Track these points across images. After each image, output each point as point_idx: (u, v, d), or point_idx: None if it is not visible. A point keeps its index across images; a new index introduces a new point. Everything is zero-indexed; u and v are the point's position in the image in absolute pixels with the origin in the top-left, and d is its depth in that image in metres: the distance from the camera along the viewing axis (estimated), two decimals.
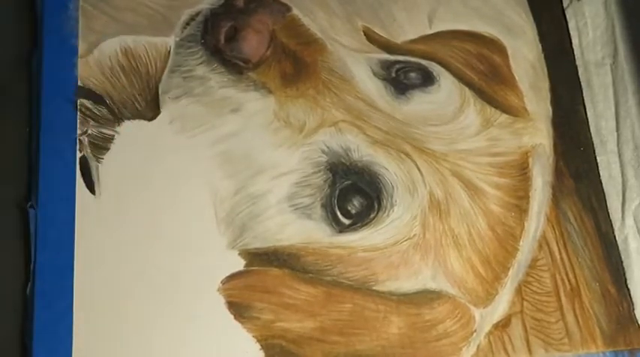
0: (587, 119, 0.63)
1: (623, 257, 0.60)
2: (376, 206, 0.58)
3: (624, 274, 0.59)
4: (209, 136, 0.59)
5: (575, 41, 0.66)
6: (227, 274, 0.56)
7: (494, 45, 0.64)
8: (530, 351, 0.56)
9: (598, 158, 0.62)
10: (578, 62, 0.65)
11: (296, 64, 0.61)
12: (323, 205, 0.57)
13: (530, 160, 0.61)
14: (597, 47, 0.65)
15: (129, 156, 0.58)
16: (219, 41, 0.61)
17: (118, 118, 0.59)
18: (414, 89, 0.62)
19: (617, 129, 0.63)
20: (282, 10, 0.63)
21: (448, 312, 0.56)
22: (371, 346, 0.55)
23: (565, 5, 0.66)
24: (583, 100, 0.64)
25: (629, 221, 0.61)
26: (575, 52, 0.65)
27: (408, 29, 0.64)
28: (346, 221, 0.57)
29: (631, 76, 0.64)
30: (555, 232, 0.59)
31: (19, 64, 0.60)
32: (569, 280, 0.58)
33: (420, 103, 0.61)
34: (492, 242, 0.58)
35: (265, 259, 0.56)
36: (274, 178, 0.58)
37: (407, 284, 0.56)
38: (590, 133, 0.63)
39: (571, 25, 0.66)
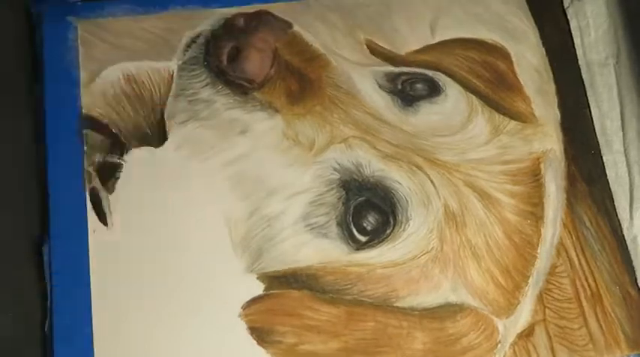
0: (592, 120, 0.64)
1: (632, 257, 0.59)
2: (392, 221, 0.57)
3: (634, 273, 0.59)
4: (219, 160, 0.58)
5: (577, 41, 0.65)
6: (247, 298, 0.55)
7: (497, 51, 0.64)
8: None
9: (604, 158, 0.62)
10: (580, 62, 0.65)
11: (301, 81, 0.60)
12: (338, 224, 0.57)
13: (541, 166, 0.60)
14: (600, 47, 0.65)
15: (139, 184, 0.58)
16: (221, 62, 0.60)
17: (124, 147, 0.58)
18: (420, 100, 0.61)
19: (623, 128, 0.63)
20: (283, 27, 0.62)
21: (471, 324, 0.56)
22: None
23: (566, 5, 0.66)
24: (588, 100, 0.64)
25: (638, 221, 0.60)
26: (578, 53, 0.65)
27: (410, 40, 0.64)
28: (363, 238, 0.57)
29: (635, 76, 0.64)
30: (572, 238, 0.59)
31: (21, 98, 0.60)
32: (589, 285, 0.58)
33: (427, 114, 0.61)
34: (510, 251, 0.58)
35: (284, 281, 0.56)
36: (287, 198, 0.57)
37: (428, 298, 0.56)
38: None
39: (573, 25, 0.66)
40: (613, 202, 0.61)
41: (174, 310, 0.55)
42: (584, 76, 0.65)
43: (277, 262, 0.56)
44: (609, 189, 0.61)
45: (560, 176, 0.61)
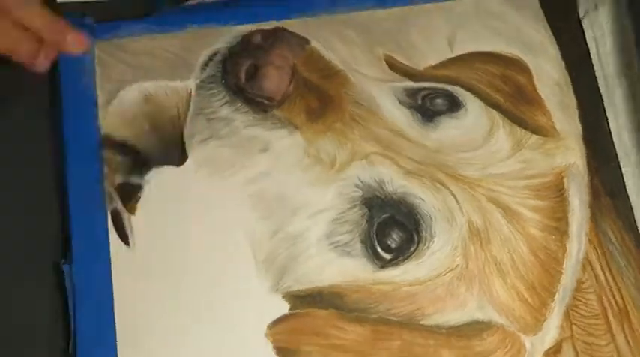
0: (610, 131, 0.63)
1: None
2: (416, 239, 0.57)
3: None
4: (240, 178, 0.58)
5: (592, 52, 0.65)
6: (272, 318, 0.55)
7: (516, 65, 0.64)
8: None
9: (623, 170, 0.62)
10: (597, 74, 0.65)
11: (320, 97, 0.60)
12: (362, 241, 0.57)
13: (565, 180, 0.60)
14: (615, 57, 0.65)
15: (160, 204, 0.57)
16: (239, 80, 0.60)
17: (145, 167, 0.58)
18: (441, 115, 0.61)
19: None
20: (300, 44, 0.62)
21: (498, 342, 0.56)
22: None
23: (581, 16, 0.66)
24: (605, 112, 0.64)
25: None
26: (594, 63, 0.65)
27: (429, 54, 0.63)
28: (387, 256, 0.56)
29: None
30: (597, 253, 0.59)
31: (39, 121, 0.60)
32: (615, 301, 0.57)
33: (448, 129, 0.61)
34: (536, 267, 0.58)
35: (309, 300, 0.55)
36: (310, 216, 0.57)
37: (454, 316, 0.56)
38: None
39: (588, 35, 0.66)
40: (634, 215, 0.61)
41: (198, 330, 0.55)
42: (601, 87, 0.64)
43: (302, 281, 0.56)
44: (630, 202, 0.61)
45: (583, 190, 0.60)
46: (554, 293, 0.57)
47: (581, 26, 0.66)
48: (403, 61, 0.63)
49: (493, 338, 0.56)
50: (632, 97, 0.64)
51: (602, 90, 0.64)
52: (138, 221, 0.57)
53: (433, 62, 0.63)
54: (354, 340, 0.55)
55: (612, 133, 0.63)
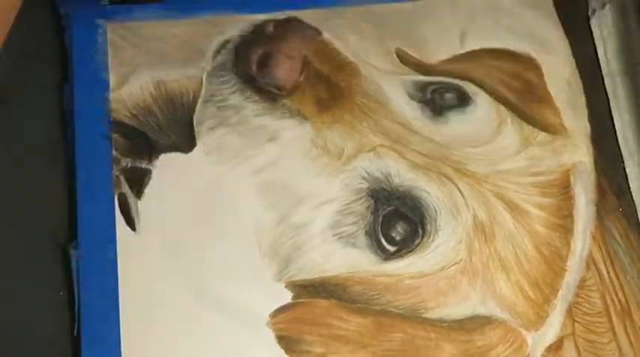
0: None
1: None
2: (420, 232, 0.57)
3: None
4: (247, 167, 0.58)
5: (600, 51, 0.65)
6: (275, 307, 0.55)
7: (527, 62, 0.64)
8: None
9: (627, 170, 0.62)
10: (604, 72, 0.65)
11: (330, 89, 0.60)
12: (367, 233, 0.57)
13: (571, 178, 0.60)
14: (622, 56, 0.65)
15: (167, 190, 0.58)
16: (251, 69, 0.60)
17: (153, 152, 0.58)
18: (450, 110, 0.61)
19: None
20: (312, 35, 0.62)
21: (500, 337, 0.56)
22: None
23: (590, 14, 0.66)
24: (610, 111, 0.64)
25: None
26: (601, 63, 0.65)
27: (440, 49, 0.63)
28: (391, 248, 0.57)
29: None
30: (602, 251, 0.59)
31: (50, 101, 0.60)
32: (618, 300, 0.57)
33: (457, 123, 0.61)
34: (540, 264, 0.58)
35: (312, 290, 0.56)
36: (316, 207, 0.57)
37: (457, 310, 0.56)
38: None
39: (596, 34, 0.65)
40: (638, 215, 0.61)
41: (200, 317, 0.55)
42: (607, 86, 0.64)
43: (305, 270, 0.56)
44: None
45: (590, 189, 0.60)
46: (558, 290, 0.57)
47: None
48: (414, 55, 0.63)
49: (495, 333, 0.56)
50: (636, 96, 0.64)
51: (608, 89, 0.64)
52: (144, 206, 0.57)
53: (444, 57, 0.63)
54: (356, 331, 0.55)
55: (617, 133, 0.63)
